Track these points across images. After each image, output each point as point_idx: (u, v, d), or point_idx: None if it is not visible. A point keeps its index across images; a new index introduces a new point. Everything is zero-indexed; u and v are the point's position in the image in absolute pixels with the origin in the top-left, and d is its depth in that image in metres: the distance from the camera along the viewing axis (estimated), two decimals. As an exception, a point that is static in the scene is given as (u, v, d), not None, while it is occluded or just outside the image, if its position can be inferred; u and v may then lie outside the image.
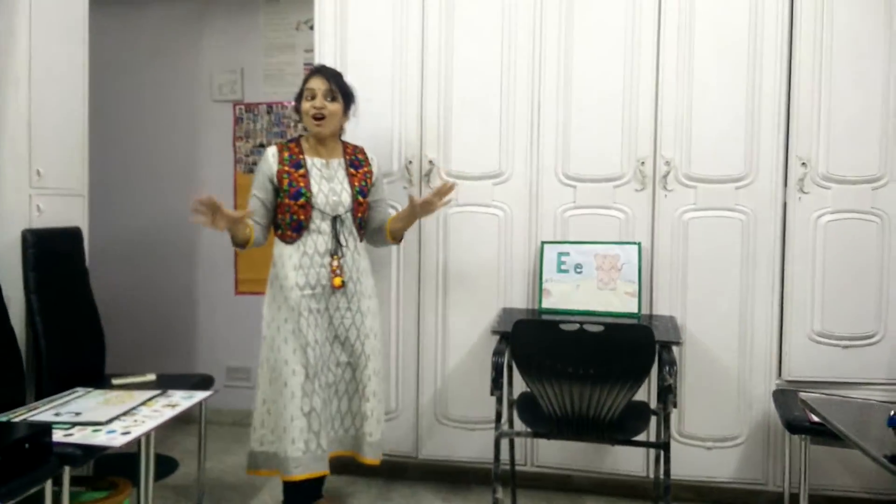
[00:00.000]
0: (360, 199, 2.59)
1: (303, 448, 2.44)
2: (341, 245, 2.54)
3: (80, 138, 2.98)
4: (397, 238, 2.74)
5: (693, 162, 2.81)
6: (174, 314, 4.01)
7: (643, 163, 2.84)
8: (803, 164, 2.74)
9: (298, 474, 2.44)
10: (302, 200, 2.50)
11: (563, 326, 2.24)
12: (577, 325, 2.21)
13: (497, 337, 2.51)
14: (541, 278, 2.87)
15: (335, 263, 2.52)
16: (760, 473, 2.82)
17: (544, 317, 2.77)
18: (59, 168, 2.83)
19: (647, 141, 2.84)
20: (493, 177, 2.96)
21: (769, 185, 2.77)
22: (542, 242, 2.90)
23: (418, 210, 2.62)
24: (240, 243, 2.51)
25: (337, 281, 2.52)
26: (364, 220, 2.65)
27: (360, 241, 2.64)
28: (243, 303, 3.94)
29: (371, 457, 2.60)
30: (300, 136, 2.67)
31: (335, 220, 2.54)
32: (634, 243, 2.82)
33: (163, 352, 3.93)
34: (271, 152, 2.56)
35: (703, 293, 2.82)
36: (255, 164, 3.91)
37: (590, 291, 2.82)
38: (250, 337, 3.83)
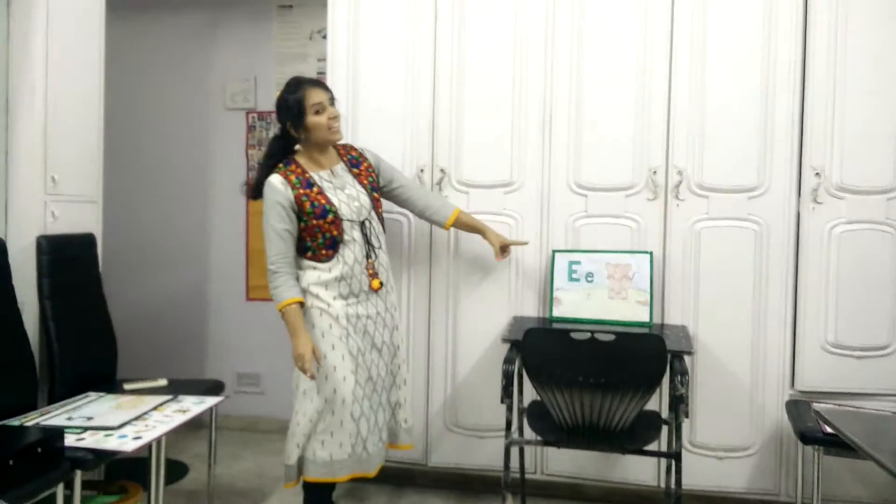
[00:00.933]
0: (375, 195, 2.63)
1: (349, 451, 2.47)
2: (374, 247, 2.57)
3: (95, 145, 3.01)
4: (456, 227, 2.81)
5: (705, 171, 2.80)
6: (186, 320, 4.03)
7: (655, 172, 2.83)
8: (817, 174, 2.73)
9: (343, 475, 2.49)
10: (331, 217, 2.47)
11: (573, 335, 2.23)
12: (589, 334, 2.20)
13: (508, 345, 2.51)
14: (552, 287, 2.86)
15: (371, 267, 2.54)
16: (772, 484, 2.80)
17: (555, 325, 2.77)
18: (73, 175, 2.86)
19: (659, 150, 2.83)
20: (504, 185, 2.96)
21: (782, 196, 2.76)
22: (554, 251, 2.90)
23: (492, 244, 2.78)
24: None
25: (375, 283, 2.54)
26: (394, 195, 2.75)
27: (384, 231, 2.67)
28: (254, 309, 3.95)
29: (407, 442, 2.71)
30: (292, 155, 2.58)
31: (363, 224, 2.54)
32: (646, 252, 2.81)
33: (174, 357, 3.95)
34: (278, 181, 2.47)
35: (715, 303, 2.80)
36: (267, 171, 3.92)
37: (601, 300, 2.81)
38: (261, 343, 3.87)
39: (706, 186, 2.80)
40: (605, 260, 2.83)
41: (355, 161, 2.65)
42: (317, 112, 2.50)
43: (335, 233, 2.49)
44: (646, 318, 2.75)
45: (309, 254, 2.52)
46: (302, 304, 2.46)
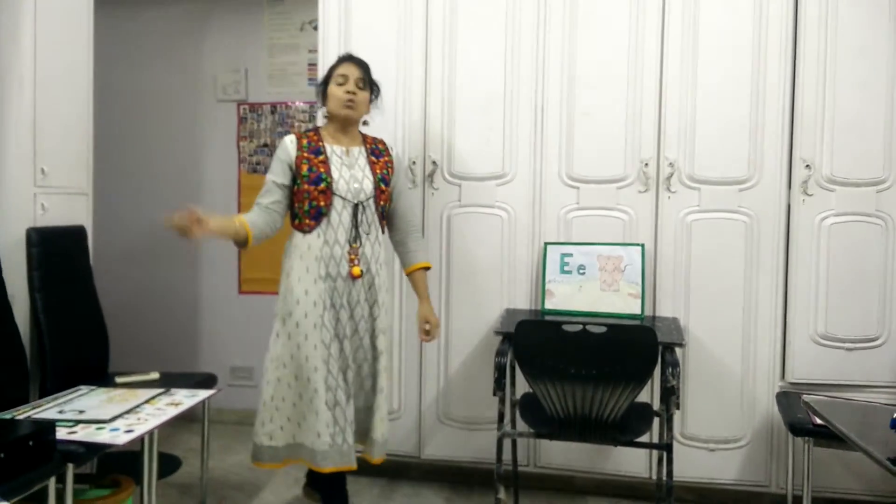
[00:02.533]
0: (383, 186, 2.54)
1: (329, 442, 2.41)
2: (361, 234, 2.49)
3: (85, 137, 2.99)
4: (408, 278, 2.70)
5: (697, 164, 2.81)
6: (178, 313, 4.02)
7: (647, 164, 2.84)
8: (807, 166, 2.74)
9: (327, 467, 2.42)
10: (322, 186, 2.44)
11: (565, 327, 2.24)
12: (580, 326, 2.21)
13: (500, 337, 2.51)
14: (544, 279, 2.87)
15: (353, 252, 2.47)
16: (763, 475, 2.82)
17: (547, 318, 2.77)
18: (63, 167, 2.84)
19: (651, 142, 2.84)
20: (496, 178, 2.96)
21: (773, 188, 2.77)
22: (546, 243, 2.90)
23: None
24: (240, 242, 2.39)
25: (356, 270, 2.46)
26: (386, 209, 2.60)
27: (382, 231, 2.58)
28: (247, 302, 3.94)
29: (376, 456, 2.56)
30: (318, 126, 2.63)
31: (356, 207, 2.48)
32: (638, 245, 2.82)
33: (166, 350, 3.94)
34: (290, 139, 2.51)
35: (706, 295, 2.82)
36: (259, 164, 3.92)
37: (593, 293, 2.82)
38: (253, 336, 3.85)
39: (697, 178, 2.81)
40: (596, 252, 2.84)
41: (378, 152, 2.61)
42: (338, 84, 2.51)
43: (321, 203, 2.44)
44: (637, 311, 2.76)
45: (296, 221, 2.51)
46: (243, 236, 2.37)
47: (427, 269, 2.68)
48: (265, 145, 3.93)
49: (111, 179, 3.79)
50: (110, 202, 3.69)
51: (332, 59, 2.98)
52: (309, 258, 2.45)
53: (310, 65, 3.83)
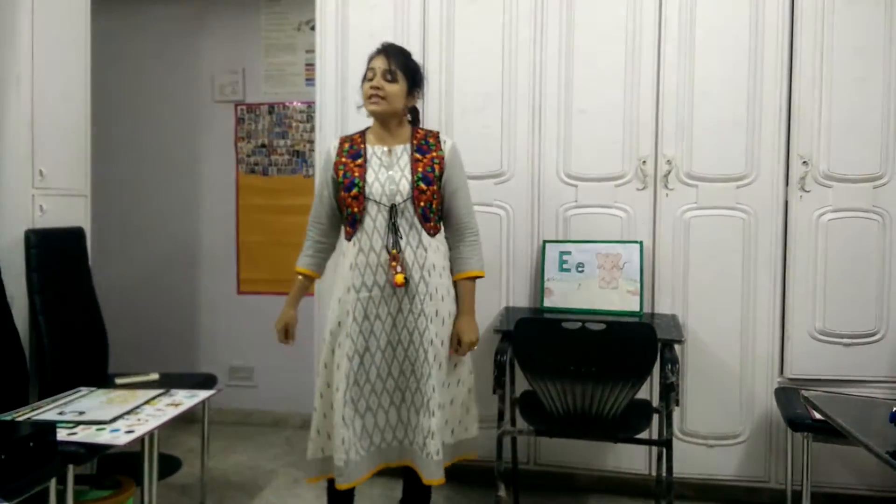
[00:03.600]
0: (423, 185, 2.31)
1: (344, 458, 2.27)
2: (399, 238, 2.29)
3: (83, 138, 2.99)
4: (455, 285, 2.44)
5: (694, 161, 2.81)
6: (177, 314, 4.01)
7: (644, 162, 2.84)
8: (804, 162, 2.75)
9: (342, 483, 2.28)
10: (354, 191, 2.30)
11: (565, 325, 2.24)
12: (580, 324, 2.21)
13: (499, 335, 2.51)
14: (542, 277, 2.87)
15: (394, 259, 2.26)
16: (762, 471, 2.83)
17: (546, 315, 2.78)
18: (61, 168, 2.84)
19: (649, 140, 2.84)
20: (494, 176, 2.96)
21: (770, 184, 2.77)
22: (544, 241, 2.90)
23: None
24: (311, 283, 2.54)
25: (399, 278, 2.24)
26: (436, 209, 2.36)
27: (429, 234, 2.34)
28: (246, 303, 3.94)
29: (437, 476, 2.27)
30: (368, 127, 2.45)
31: (392, 210, 2.30)
32: (636, 242, 2.82)
33: (165, 351, 3.94)
34: (333, 144, 2.42)
35: (704, 292, 2.82)
36: (256, 164, 3.93)
37: (592, 290, 2.82)
38: (252, 336, 3.86)
39: (695, 176, 2.82)
40: (595, 250, 2.84)
41: (426, 147, 2.39)
42: (368, 79, 2.35)
43: (356, 209, 2.30)
44: (636, 308, 2.76)
45: (344, 229, 2.41)
46: (310, 278, 2.50)
47: (477, 277, 2.42)
48: (263, 146, 3.93)
49: (109, 181, 3.79)
50: (109, 203, 3.69)
51: (330, 60, 3.04)
52: (343, 266, 2.34)
53: (307, 65, 3.82)
